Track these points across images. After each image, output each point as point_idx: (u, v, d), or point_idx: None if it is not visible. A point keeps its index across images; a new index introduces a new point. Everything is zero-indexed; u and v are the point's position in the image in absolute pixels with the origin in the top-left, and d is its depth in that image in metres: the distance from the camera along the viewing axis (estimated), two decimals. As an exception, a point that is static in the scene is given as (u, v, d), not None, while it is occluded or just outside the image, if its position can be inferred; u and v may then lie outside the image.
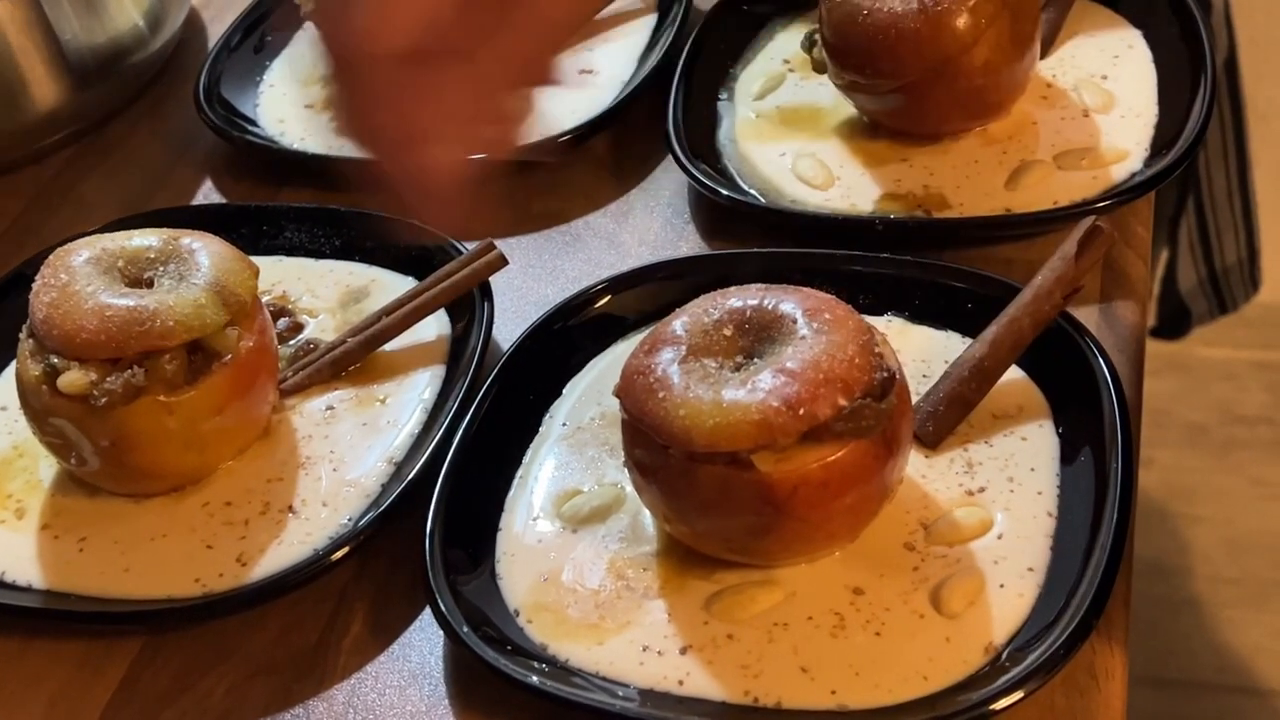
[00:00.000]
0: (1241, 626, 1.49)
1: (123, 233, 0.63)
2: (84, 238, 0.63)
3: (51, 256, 0.62)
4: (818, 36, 0.75)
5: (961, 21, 0.69)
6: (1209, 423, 1.72)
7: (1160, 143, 0.72)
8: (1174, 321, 1.29)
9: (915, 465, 0.58)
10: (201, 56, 0.89)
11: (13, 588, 0.60)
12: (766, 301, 0.55)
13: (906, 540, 0.56)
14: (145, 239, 0.62)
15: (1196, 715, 1.42)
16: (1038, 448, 0.58)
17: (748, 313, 0.55)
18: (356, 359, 0.67)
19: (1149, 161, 0.71)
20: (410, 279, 0.71)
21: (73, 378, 0.58)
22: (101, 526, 0.61)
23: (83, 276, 0.60)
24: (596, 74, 0.84)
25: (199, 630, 0.58)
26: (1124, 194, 0.69)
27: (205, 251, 0.62)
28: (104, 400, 0.58)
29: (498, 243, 0.68)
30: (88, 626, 0.59)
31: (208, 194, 0.82)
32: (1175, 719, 1.42)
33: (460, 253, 0.69)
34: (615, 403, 0.55)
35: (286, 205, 0.77)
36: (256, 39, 0.90)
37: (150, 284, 0.61)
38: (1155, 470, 1.65)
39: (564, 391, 0.65)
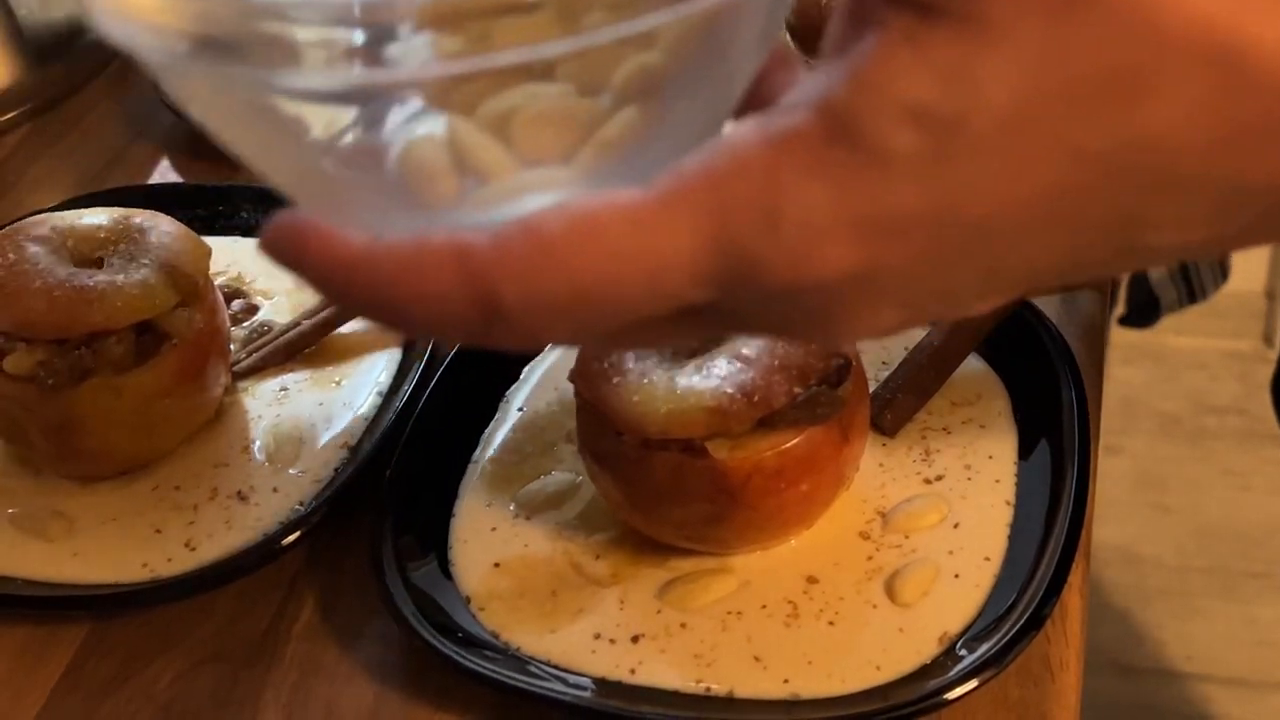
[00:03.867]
0: (1211, 616, 1.49)
1: (73, 212, 0.62)
2: (35, 216, 0.62)
3: (-1, 235, 0.61)
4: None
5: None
6: (1181, 412, 1.72)
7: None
8: (1143, 310, 1.29)
9: (872, 453, 0.57)
10: (162, 34, 0.88)
11: (-44, 572, 0.58)
12: (723, 286, 0.54)
13: (862, 529, 0.55)
14: (95, 218, 0.61)
15: (1165, 703, 1.43)
16: (996, 436, 0.58)
17: (705, 298, 0.54)
18: (312, 341, 0.66)
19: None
20: (368, 261, 0.70)
21: (19, 358, 0.57)
22: (48, 510, 0.60)
23: (31, 256, 0.59)
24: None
25: (146, 616, 0.57)
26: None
27: (156, 231, 0.61)
28: (51, 381, 0.57)
29: (457, 224, 0.67)
30: (32, 612, 0.58)
31: (165, 173, 0.81)
32: (1144, 707, 1.43)
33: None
34: (572, 388, 0.55)
35: (244, 185, 0.76)
36: (218, 17, 0.89)
37: (100, 264, 0.60)
38: (1127, 459, 1.66)
39: (522, 376, 0.64)
